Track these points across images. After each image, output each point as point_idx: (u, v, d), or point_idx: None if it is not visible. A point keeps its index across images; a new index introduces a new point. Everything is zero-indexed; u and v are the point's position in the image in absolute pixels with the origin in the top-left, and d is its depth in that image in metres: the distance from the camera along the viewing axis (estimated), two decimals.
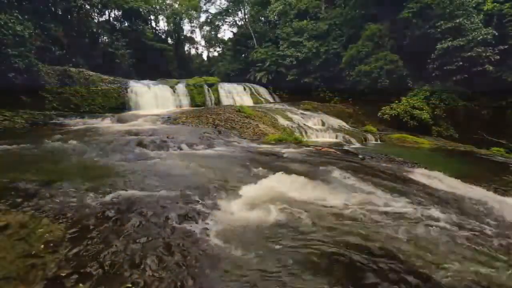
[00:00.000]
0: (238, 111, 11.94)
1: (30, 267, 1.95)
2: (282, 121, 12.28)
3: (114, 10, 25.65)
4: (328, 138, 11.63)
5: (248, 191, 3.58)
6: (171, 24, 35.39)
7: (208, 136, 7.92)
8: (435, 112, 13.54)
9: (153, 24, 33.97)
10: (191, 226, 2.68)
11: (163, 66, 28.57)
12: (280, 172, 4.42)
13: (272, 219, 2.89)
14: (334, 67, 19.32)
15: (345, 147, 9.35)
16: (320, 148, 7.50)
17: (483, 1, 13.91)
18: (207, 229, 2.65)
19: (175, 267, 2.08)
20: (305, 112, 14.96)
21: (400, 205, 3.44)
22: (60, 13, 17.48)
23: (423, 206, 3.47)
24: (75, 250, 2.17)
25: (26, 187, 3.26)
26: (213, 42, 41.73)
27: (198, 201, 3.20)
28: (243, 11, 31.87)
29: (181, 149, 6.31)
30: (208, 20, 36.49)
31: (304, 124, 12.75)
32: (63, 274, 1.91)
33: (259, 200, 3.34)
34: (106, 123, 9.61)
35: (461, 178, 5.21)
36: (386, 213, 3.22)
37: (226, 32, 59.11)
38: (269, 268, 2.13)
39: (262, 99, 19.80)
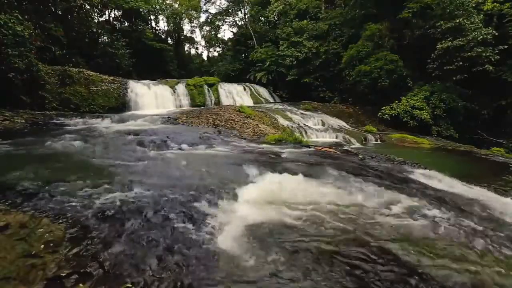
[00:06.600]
0: (238, 111, 11.93)
1: (30, 267, 1.95)
2: (282, 121, 12.27)
3: (114, 10, 25.67)
4: (328, 138, 11.62)
5: (248, 191, 3.59)
6: (171, 24, 35.45)
7: (208, 136, 7.91)
8: (435, 112, 13.52)
9: (153, 24, 34.03)
10: (191, 226, 2.68)
11: (163, 66, 28.57)
12: (280, 172, 4.42)
13: (271, 219, 2.89)
14: (334, 67, 19.33)
15: (345, 147, 9.34)
16: (320, 148, 7.49)
17: (483, 1, 13.89)
18: (207, 229, 2.65)
19: (175, 267, 2.08)
20: (305, 112, 14.96)
21: (399, 205, 3.43)
22: (60, 13, 17.47)
23: (423, 206, 3.47)
24: (75, 250, 2.17)
25: (26, 187, 3.26)
26: (213, 42, 41.83)
27: (198, 201, 3.21)
28: (243, 11, 31.98)
29: (181, 149, 6.30)
30: (208, 20, 36.64)
31: (304, 124, 12.74)
32: (63, 274, 1.92)
33: (258, 200, 3.34)
34: (106, 123, 9.59)
35: (461, 178, 5.21)
36: (385, 213, 3.22)
37: (226, 32, 59.23)
38: (269, 267, 2.13)
39: (262, 99, 19.81)
